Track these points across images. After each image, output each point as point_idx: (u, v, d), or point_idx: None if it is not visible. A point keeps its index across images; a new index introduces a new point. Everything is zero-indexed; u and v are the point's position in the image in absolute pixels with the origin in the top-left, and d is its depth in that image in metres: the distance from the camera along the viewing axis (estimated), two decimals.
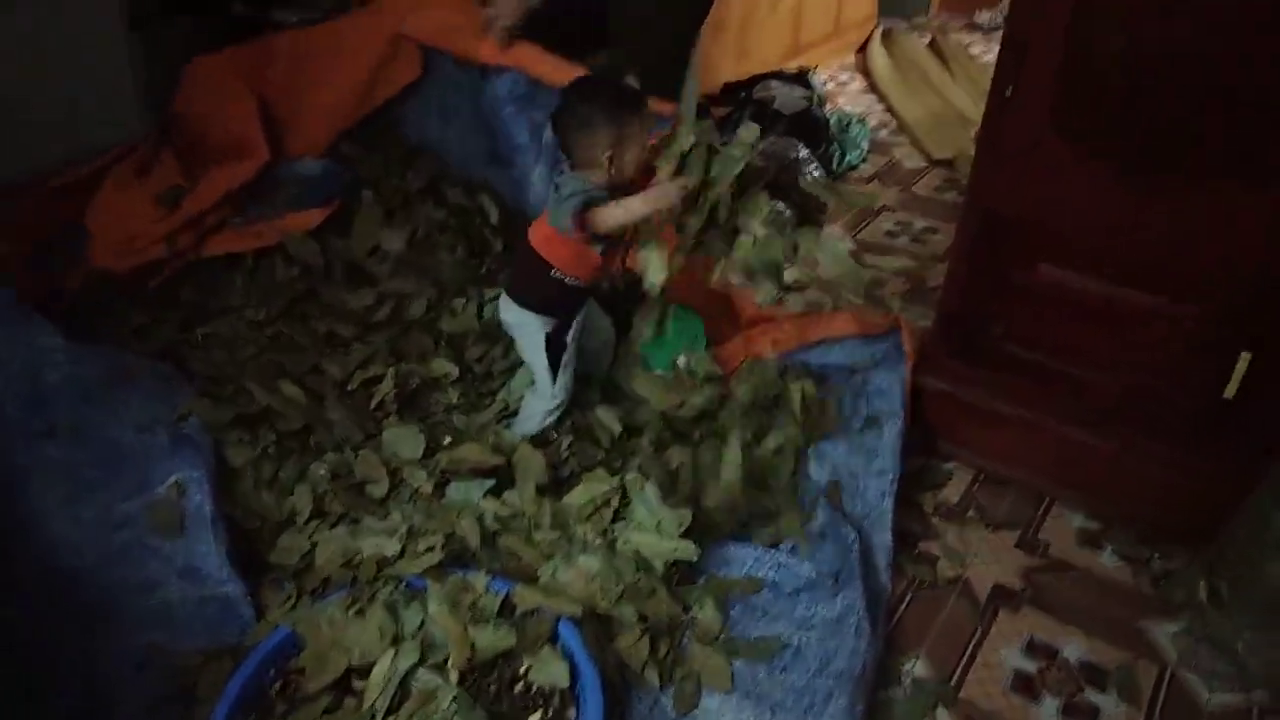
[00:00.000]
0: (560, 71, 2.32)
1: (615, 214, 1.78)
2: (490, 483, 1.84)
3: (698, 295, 2.34)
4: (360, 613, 1.51)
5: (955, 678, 1.67)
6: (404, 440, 1.91)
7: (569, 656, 1.46)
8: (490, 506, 1.79)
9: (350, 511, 1.78)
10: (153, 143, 2.50)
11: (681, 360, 2.15)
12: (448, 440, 1.96)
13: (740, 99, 3.63)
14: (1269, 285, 1.67)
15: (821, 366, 2.23)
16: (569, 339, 1.95)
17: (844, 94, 4.47)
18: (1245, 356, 1.71)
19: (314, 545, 1.72)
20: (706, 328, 2.31)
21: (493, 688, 1.45)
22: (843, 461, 1.98)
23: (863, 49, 4.95)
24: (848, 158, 3.62)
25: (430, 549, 1.67)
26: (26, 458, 1.65)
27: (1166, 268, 1.76)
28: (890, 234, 3.21)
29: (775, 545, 1.82)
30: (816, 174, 3.20)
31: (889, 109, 4.26)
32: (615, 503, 1.80)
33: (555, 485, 1.87)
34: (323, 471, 1.83)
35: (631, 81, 1.93)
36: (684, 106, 2.24)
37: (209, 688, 1.49)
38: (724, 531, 1.84)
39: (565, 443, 1.97)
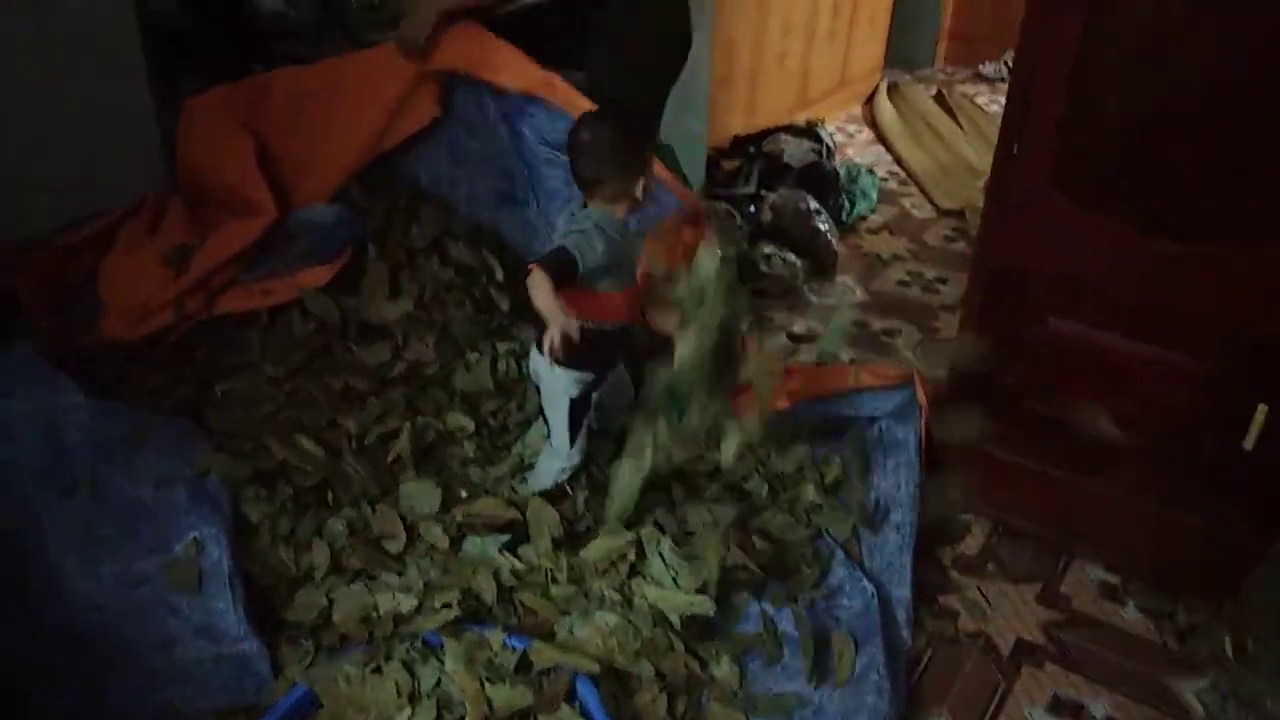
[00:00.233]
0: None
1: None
2: (506, 537, 1.84)
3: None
4: (377, 670, 1.51)
5: None
6: (421, 494, 1.91)
7: (587, 715, 1.45)
8: (506, 562, 1.79)
9: (367, 567, 1.78)
10: (160, 196, 2.49)
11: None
12: (464, 494, 1.96)
13: (750, 152, 3.68)
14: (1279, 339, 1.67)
15: (837, 418, 2.23)
16: (594, 397, 1.94)
17: (852, 145, 4.53)
18: (1262, 409, 1.71)
19: (331, 602, 1.71)
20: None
21: None
22: (860, 514, 1.97)
23: (869, 101, 5.02)
24: (857, 208, 3.65)
25: (447, 605, 1.66)
26: (47, 515, 1.66)
27: (1175, 322, 1.77)
28: (901, 284, 3.23)
29: (794, 600, 1.81)
30: (826, 225, 3.23)
31: (897, 160, 4.31)
32: (631, 557, 1.80)
33: (571, 540, 1.86)
34: (340, 527, 1.83)
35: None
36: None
37: None
38: (742, 586, 1.83)
39: (581, 498, 1.97)
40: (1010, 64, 1.75)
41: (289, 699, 1.47)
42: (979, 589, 1.95)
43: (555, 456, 1.97)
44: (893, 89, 5.05)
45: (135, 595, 1.61)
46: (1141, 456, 1.91)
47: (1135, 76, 1.67)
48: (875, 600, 1.77)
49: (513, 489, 1.99)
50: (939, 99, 4.93)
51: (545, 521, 1.85)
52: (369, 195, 2.52)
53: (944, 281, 3.24)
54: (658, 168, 2.14)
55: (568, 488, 1.98)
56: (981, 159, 4.05)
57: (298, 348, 2.22)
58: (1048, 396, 1.99)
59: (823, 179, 3.47)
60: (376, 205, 2.50)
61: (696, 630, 1.71)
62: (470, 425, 2.15)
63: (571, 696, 1.49)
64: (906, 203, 3.89)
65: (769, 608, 1.78)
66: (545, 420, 1.99)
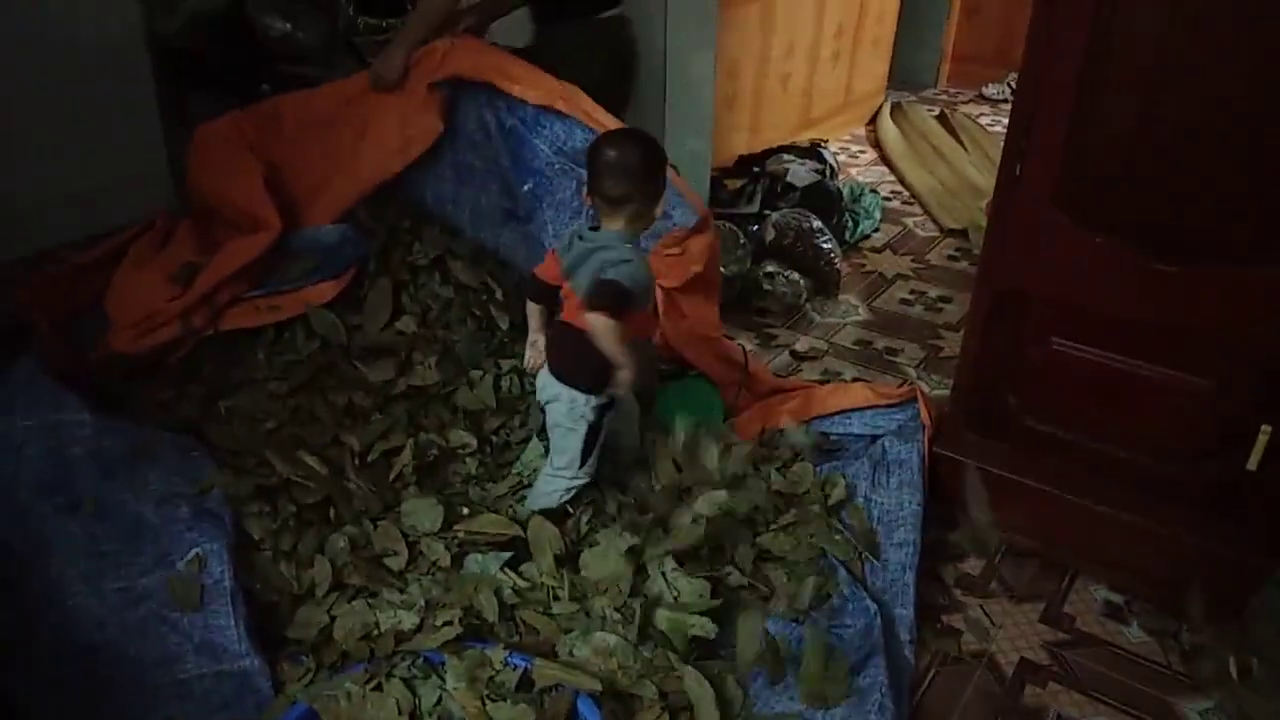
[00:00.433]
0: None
1: (604, 339, 1.74)
2: (508, 555, 1.83)
3: (715, 365, 2.36)
4: (378, 688, 1.50)
5: None
6: (423, 512, 1.92)
7: None
8: (508, 579, 1.79)
9: (369, 584, 1.78)
10: (170, 215, 2.52)
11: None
12: (466, 512, 1.96)
13: (754, 172, 3.70)
14: None
15: (839, 436, 2.23)
16: (607, 420, 1.93)
17: (856, 165, 4.55)
18: (1266, 429, 1.70)
19: (332, 619, 1.71)
20: (726, 397, 2.33)
21: None
22: (863, 533, 1.97)
23: (873, 121, 5.04)
24: (860, 227, 3.66)
25: (448, 623, 1.66)
26: (49, 531, 1.66)
27: (1179, 342, 1.77)
28: (904, 302, 3.24)
29: (796, 619, 1.80)
30: (829, 244, 3.24)
31: (900, 180, 4.33)
32: (634, 576, 1.79)
33: (573, 558, 1.86)
34: (342, 544, 1.83)
35: None
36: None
37: None
38: (744, 605, 1.82)
39: (584, 517, 1.96)
40: (1013, 85, 1.76)
41: (290, 716, 1.47)
42: (982, 608, 1.95)
43: (564, 474, 1.95)
44: (896, 109, 5.08)
45: (137, 611, 1.61)
46: (1145, 476, 1.90)
47: (1138, 98, 1.68)
48: (878, 619, 1.76)
49: (512, 508, 1.98)
50: (942, 119, 4.95)
51: (546, 539, 1.85)
52: (373, 216, 2.54)
53: (947, 300, 3.24)
54: (671, 175, 2.12)
55: (569, 507, 1.98)
56: (985, 179, 4.06)
57: (301, 365, 2.23)
58: (1051, 416, 1.99)
59: (826, 198, 3.49)
60: (380, 225, 2.52)
61: (699, 650, 1.71)
62: (473, 442, 2.15)
63: (573, 715, 1.48)
64: (910, 222, 3.90)
65: (771, 626, 1.77)
66: (546, 441, 1.98)
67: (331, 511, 1.91)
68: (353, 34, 3.41)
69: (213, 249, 2.37)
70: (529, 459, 2.12)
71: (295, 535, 1.83)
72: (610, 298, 1.72)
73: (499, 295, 2.49)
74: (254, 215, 2.35)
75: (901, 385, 2.29)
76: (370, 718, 1.46)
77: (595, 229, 1.83)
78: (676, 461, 2.06)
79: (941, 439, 2.11)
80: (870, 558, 1.93)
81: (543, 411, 1.98)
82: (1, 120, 2.47)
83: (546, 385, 1.91)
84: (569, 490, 1.95)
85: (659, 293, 2.19)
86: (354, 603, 1.74)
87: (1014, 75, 1.81)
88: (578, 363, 1.84)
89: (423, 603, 1.73)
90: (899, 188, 4.26)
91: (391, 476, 2.02)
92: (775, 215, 3.29)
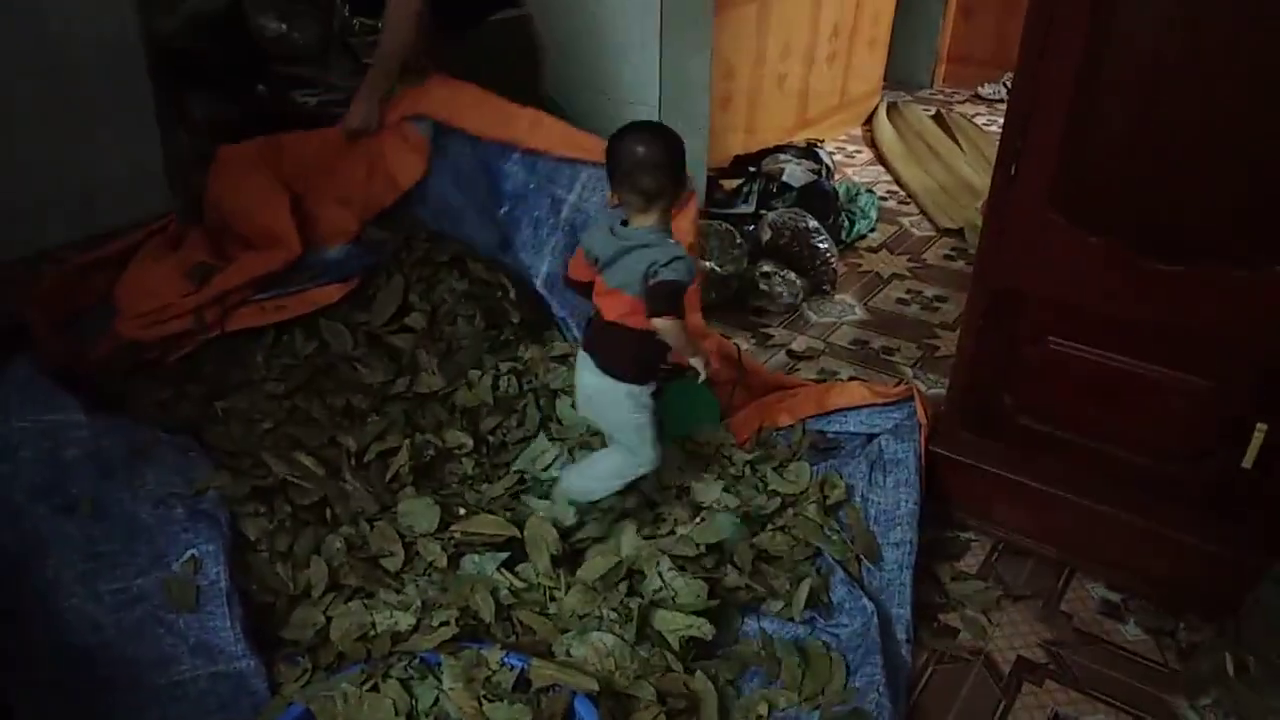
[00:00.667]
0: (574, 147, 2.40)
1: (679, 339, 1.78)
2: (504, 555, 1.83)
3: (711, 363, 2.36)
4: (374, 689, 1.50)
5: None
6: (419, 512, 1.91)
7: None
8: (504, 580, 1.79)
9: (365, 585, 1.78)
10: (184, 221, 2.54)
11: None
12: (463, 512, 1.96)
13: (750, 172, 3.70)
14: (1277, 357, 1.67)
15: (836, 435, 2.23)
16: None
17: (852, 165, 4.55)
18: (1261, 427, 1.70)
19: (329, 619, 1.71)
20: (721, 395, 2.32)
21: None
22: (860, 532, 1.97)
23: (869, 121, 5.05)
24: (857, 227, 3.67)
25: (445, 623, 1.66)
26: (45, 533, 1.66)
27: (1174, 341, 1.77)
28: (901, 302, 3.24)
29: (792, 619, 1.80)
30: (825, 244, 3.24)
31: (896, 179, 4.33)
32: (631, 576, 1.79)
33: (570, 558, 1.86)
34: (338, 544, 1.83)
35: None
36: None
37: None
38: (741, 605, 1.82)
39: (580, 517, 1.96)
40: (1009, 85, 1.76)
41: (285, 718, 1.46)
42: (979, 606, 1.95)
43: (632, 460, 1.90)
44: (892, 109, 5.08)
45: (133, 613, 1.60)
46: (1142, 475, 1.90)
47: (1135, 98, 1.68)
48: (875, 619, 1.76)
49: (510, 509, 1.98)
50: (938, 119, 4.96)
51: (544, 539, 1.85)
52: (387, 234, 2.56)
53: (943, 300, 3.25)
54: None
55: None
56: (981, 179, 4.07)
57: (299, 366, 2.23)
58: (1047, 415, 1.99)
59: (822, 198, 3.49)
60: (395, 235, 2.54)
61: (696, 650, 1.71)
62: (469, 442, 2.15)
63: (570, 715, 1.48)
64: (906, 222, 3.90)
65: (768, 626, 1.77)
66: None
67: (328, 512, 1.91)
68: (348, 34, 3.41)
69: (226, 256, 2.41)
70: (531, 456, 2.11)
71: (291, 536, 1.83)
72: (673, 299, 1.73)
73: (512, 295, 2.51)
74: (275, 235, 2.39)
75: (898, 384, 2.29)
76: (367, 718, 1.46)
77: (624, 224, 1.81)
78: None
79: (938, 438, 2.11)
80: (867, 561, 1.93)
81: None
82: None
83: (600, 387, 1.85)
84: (627, 481, 1.93)
85: None
86: (350, 603, 1.74)
87: (1009, 75, 1.81)
88: (627, 357, 1.84)
89: (419, 603, 1.73)
90: (895, 187, 4.27)
91: (388, 477, 2.01)
92: (771, 215, 3.29)
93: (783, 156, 3.76)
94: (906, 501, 1.99)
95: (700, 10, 3.08)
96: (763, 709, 1.63)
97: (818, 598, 1.85)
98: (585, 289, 1.90)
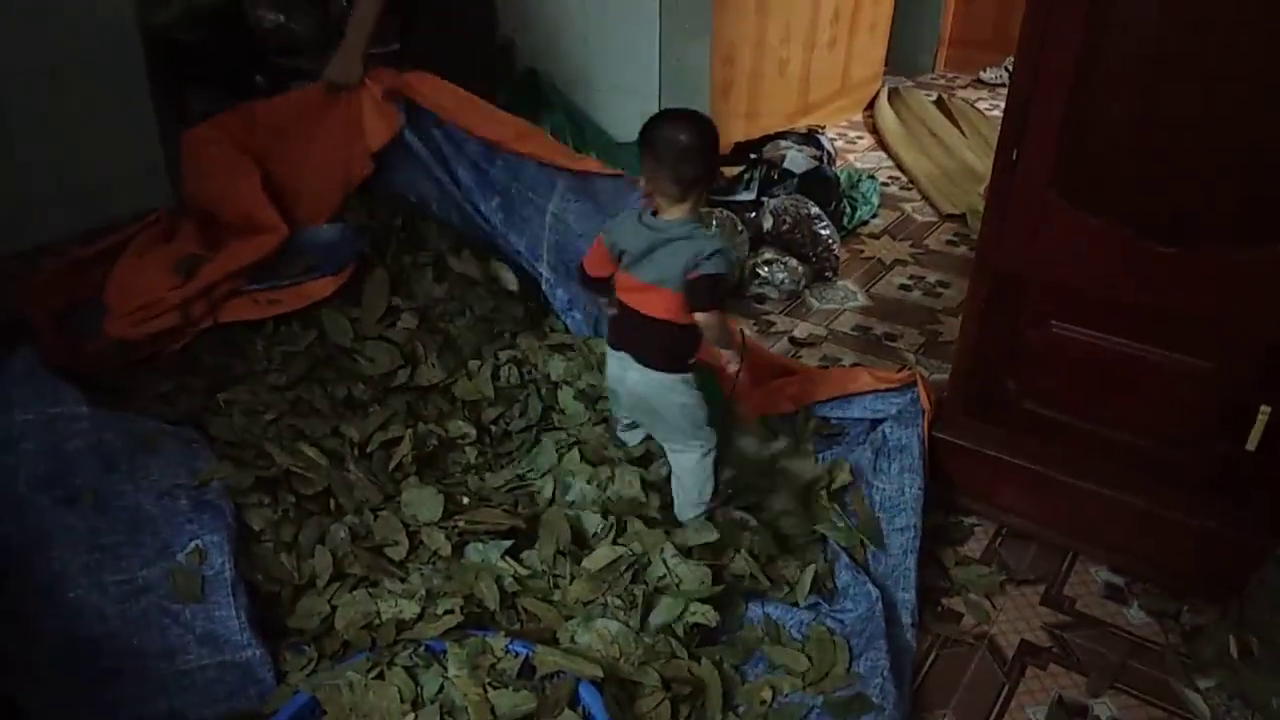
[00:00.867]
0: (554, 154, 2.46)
1: (726, 336, 1.81)
2: (508, 544, 1.83)
3: (712, 349, 2.36)
4: (380, 677, 1.50)
5: None
6: (423, 501, 1.92)
7: None
8: (508, 568, 1.79)
9: (370, 574, 1.78)
10: (176, 213, 2.53)
11: None
12: (466, 501, 1.96)
13: (751, 158, 3.68)
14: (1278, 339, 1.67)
15: (839, 420, 2.23)
16: None
17: (854, 151, 4.54)
18: (1265, 409, 1.70)
19: (334, 609, 1.72)
20: (724, 380, 2.32)
21: None
22: (866, 518, 1.97)
23: (870, 107, 5.03)
24: (858, 213, 3.66)
25: (449, 611, 1.67)
26: (50, 524, 1.66)
27: (1177, 324, 1.77)
28: (903, 287, 3.23)
29: (796, 604, 1.80)
30: (827, 230, 3.23)
31: (898, 165, 4.32)
32: (635, 563, 1.79)
33: (577, 544, 1.86)
34: (342, 534, 1.83)
35: None
36: None
37: None
38: (745, 591, 1.82)
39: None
40: (1010, 69, 1.74)
41: (292, 706, 1.47)
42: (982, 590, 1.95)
43: (708, 453, 1.91)
44: (894, 95, 5.06)
45: (138, 603, 1.61)
46: (1145, 458, 1.90)
47: (1135, 80, 1.67)
48: (879, 604, 1.76)
49: (515, 499, 1.98)
50: (940, 104, 4.94)
51: (557, 532, 1.85)
52: (367, 213, 2.55)
53: (946, 285, 3.24)
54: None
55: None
56: (983, 163, 4.05)
57: (299, 356, 2.23)
58: (1050, 399, 1.99)
59: (824, 184, 3.48)
60: (375, 224, 2.53)
61: (701, 636, 1.71)
62: (472, 432, 2.15)
63: (575, 702, 1.48)
64: (908, 207, 3.89)
65: (772, 612, 1.78)
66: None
67: (332, 502, 1.92)
68: (345, 24, 3.40)
69: (217, 245, 2.38)
70: (537, 461, 2.10)
71: (296, 526, 1.83)
72: (716, 293, 1.73)
73: (510, 287, 2.50)
74: (255, 219, 2.37)
75: (901, 370, 2.29)
76: (372, 706, 1.46)
77: (655, 214, 1.78)
78: None
79: (941, 423, 2.11)
80: (872, 546, 1.93)
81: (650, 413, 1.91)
82: None
83: (652, 383, 1.82)
84: (713, 462, 1.93)
85: None
86: (355, 592, 1.74)
87: (1011, 59, 1.80)
88: (670, 351, 1.83)
89: (424, 592, 1.73)
90: (897, 173, 4.26)
91: (391, 467, 2.02)
92: (773, 202, 3.28)
93: (784, 143, 3.75)
94: (910, 487, 1.99)
95: None
96: (767, 694, 1.63)
97: (822, 583, 1.85)
98: (602, 285, 1.87)
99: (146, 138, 2.76)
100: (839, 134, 4.71)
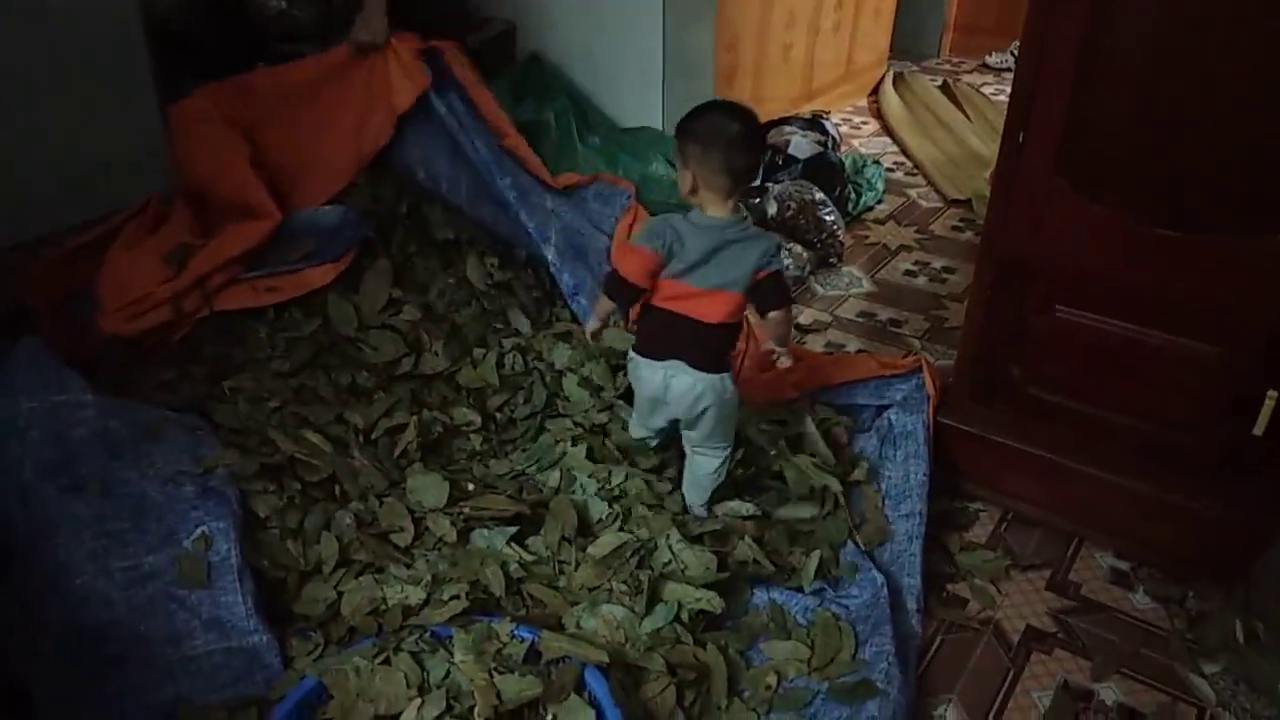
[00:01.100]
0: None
1: (785, 329, 1.82)
2: (514, 529, 1.84)
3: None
4: (386, 662, 1.51)
5: None
6: (428, 488, 1.92)
7: (595, 705, 1.45)
8: (514, 554, 1.79)
9: (375, 560, 1.79)
10: (167, 198, 2.50)
11: None
12: (471, 488, 1.97)
13: None
14: None
15: (845, 407, 2.23)
16: None
17: (858, 136, 4.52)
18: (1273, 394, 1.69)
19: (340, 595, 1.72)
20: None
21: None
22: (874, 516, 1.96)
23: (875, 92, 5.00)
24: (863, 199, 3.64)
25: (455, 597, 1.67)
26: (55, 512, 1.66)
27: (1184, 309, 1.76)
28: (908, 273, 3.22)
29: (801, 590, 1.81)
30: (832, 216, 3.22)
31: (903, 150, 4.30)
32: (641, 549, 1.79)
33: (582, 531, 1.86)
34: (348, 520, 1.84)
35: None
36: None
37: None
38: (750, 577, 1.82)
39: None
40: (1016, 54, 1.73)
41: (299, 691, 1.47)
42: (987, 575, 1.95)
43: (726, 453, 1.91)
44: (898, 80, 5.03)
45: (144, 590, 1.61)
46: (1151, 443, 1.90)
47: (1142, 64, 1.66)
48: (885, 590, 1.76)
49: (519, 485, 1.98)
50: (945, 89, 4.91)
51: (563, 519, 1.85)
52: (373, 196, 2.53)
53: (951, 271, 3.23)
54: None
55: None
56: (988, 149, 4.03)
57: (303, 343, 2.23)
58: (1056, 385, 1.98)
59: (828, 170, 3.46)
60: (380, 206, 2.52)
61: (706, 621, 1.71)
62: (477, 419, 2.15)
63: (580, 687, 1.49)
64: (913, 193, 3.87)
65: (778, 597, 1.78)
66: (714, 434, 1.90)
67: (337, 489, 1.92)
68: (349, 12, 3.38)
69: (208, 231, 2.34)
70: (538, 453, 2.10)
71: (301, 513, 1.84)
72: (788, 290, 1.71)
73: (516, 291, 2.51)
74: (247, 204, 2.33)
75: (906, 356, 2.28)
76: (379, 691, 1.47)
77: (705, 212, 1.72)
78: None
79: (946, 409, 2.11)
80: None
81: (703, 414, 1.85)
82: None
83: (705, 386, 1.78)
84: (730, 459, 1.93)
85: None
86: (361, 579, 1.75)
87: (1017, 44, 1.79)
88: (722, 352, 1.81)
89: (429, 578, 1.74)
90: (902, 159, 4.24)
91: (396, 454, 2.02)
92: (777, 188, 3.27)
93: (788, 128, 3.73)
94: (916, 473, 1.99)
95: None
96: (772, 679, 1.64)
97: (827, 569, 1.85)
98: (634, 294, 1.76)
99: (149, 126, 2.74)
100: (844, 119, 4.68)
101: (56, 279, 2.32)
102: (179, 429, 1.87)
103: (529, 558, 1.79)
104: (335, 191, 2.50)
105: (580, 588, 1.74)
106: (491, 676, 1.47)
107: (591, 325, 1.93)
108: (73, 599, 1.60)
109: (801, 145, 3.54)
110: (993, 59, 5.48)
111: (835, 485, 1.97)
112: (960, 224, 3.60)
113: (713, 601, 1.68)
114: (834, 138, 3.79)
